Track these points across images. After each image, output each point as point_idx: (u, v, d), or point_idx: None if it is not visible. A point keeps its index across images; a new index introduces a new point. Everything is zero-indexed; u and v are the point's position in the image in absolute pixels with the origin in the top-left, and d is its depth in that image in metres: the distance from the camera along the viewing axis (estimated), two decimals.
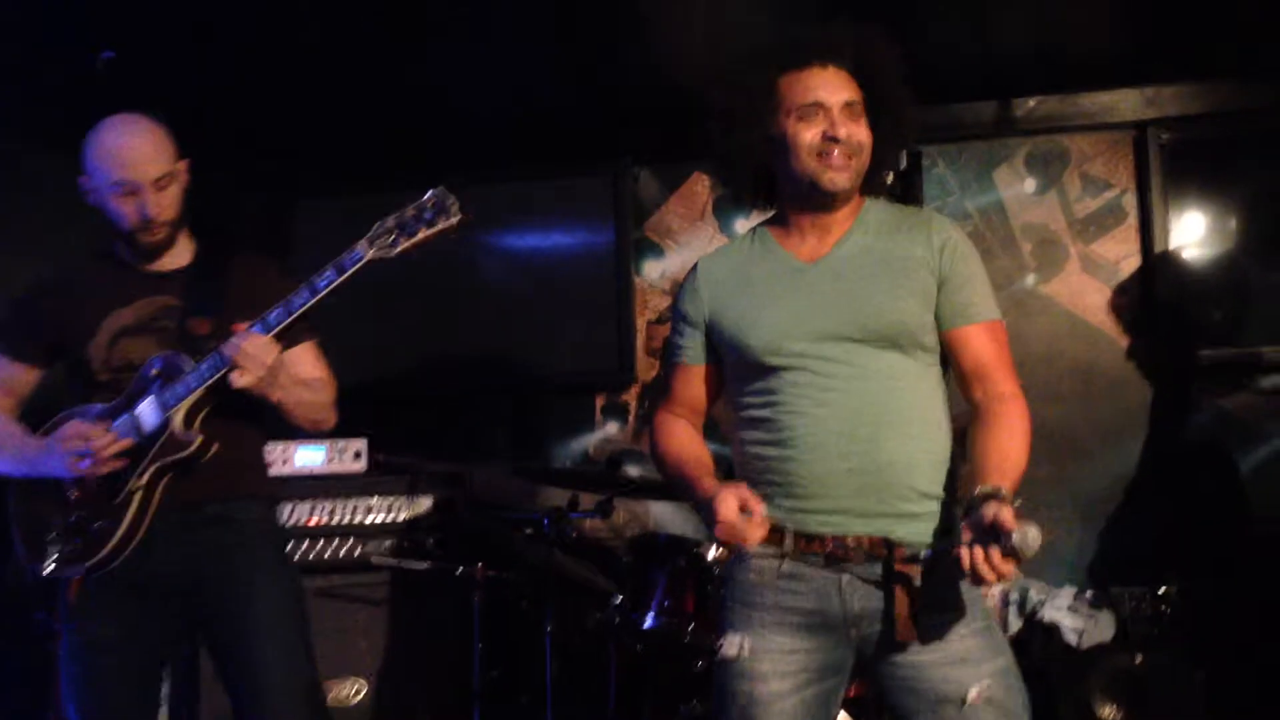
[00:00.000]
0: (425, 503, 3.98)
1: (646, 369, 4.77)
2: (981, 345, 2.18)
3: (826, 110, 2.17)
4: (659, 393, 2.46)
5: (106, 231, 2.70)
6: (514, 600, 3.90)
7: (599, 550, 4.25)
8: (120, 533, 2.53)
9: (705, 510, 2.12)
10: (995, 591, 3.76)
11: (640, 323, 4.79)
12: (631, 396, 4.77)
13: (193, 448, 2.55)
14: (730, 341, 2.25)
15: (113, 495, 2.55)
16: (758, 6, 3.67)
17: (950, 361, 2.23)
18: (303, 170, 4.88)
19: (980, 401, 2.16)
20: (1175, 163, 4.37)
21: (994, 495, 1.93)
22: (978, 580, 1.88)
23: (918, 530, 2.12)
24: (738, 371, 2.26)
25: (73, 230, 3.95)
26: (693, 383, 2.36)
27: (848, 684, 2.21)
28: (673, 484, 2.32)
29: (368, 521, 3.92)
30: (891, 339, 2.15)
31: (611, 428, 4.77)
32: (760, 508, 2.04)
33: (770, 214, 2.37)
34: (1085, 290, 4.45)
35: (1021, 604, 3.72)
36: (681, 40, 3.96)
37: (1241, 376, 4.24)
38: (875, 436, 2.11)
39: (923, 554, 2.08)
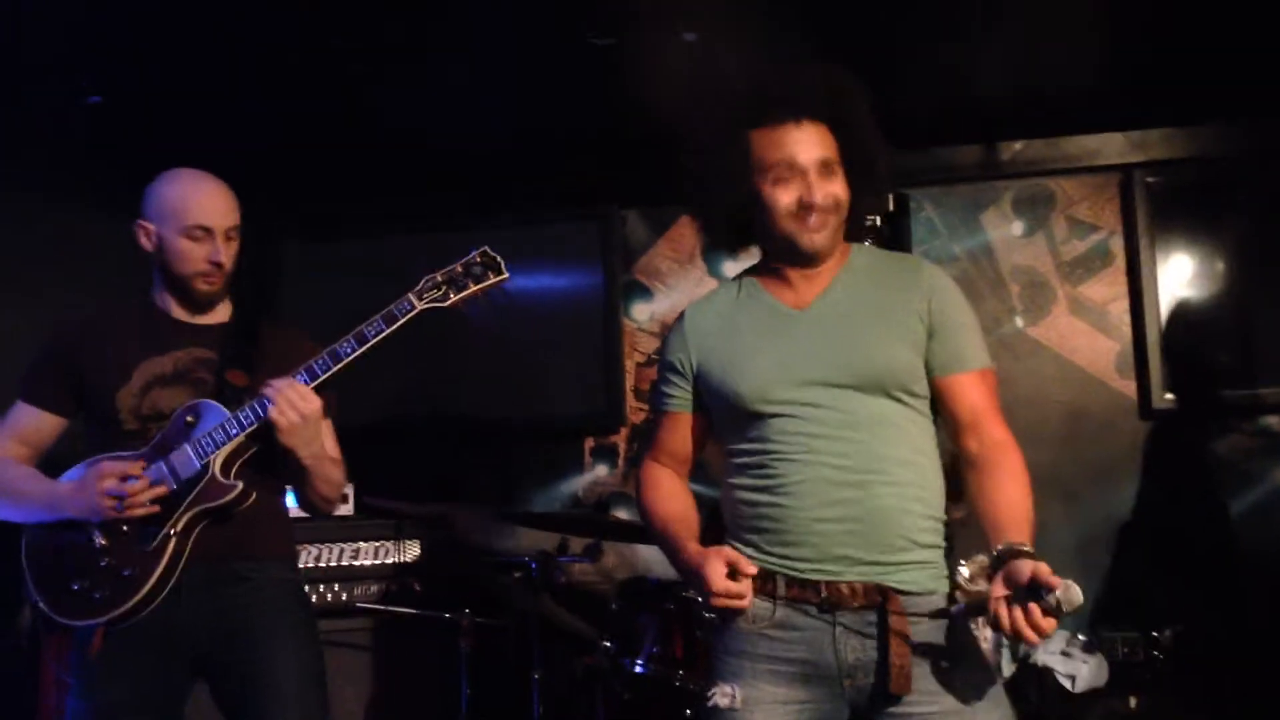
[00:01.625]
0: (412, 547, 3.95)
1: (636, 411, 4.75)
2: (974, 393, 2.16)
3: (802, 172, 2.14)
4: (645, 441, 2.45)
5: (146, 278, 2.70)
6: (502, 646, 3.86)
7: (588, 595, 4.22)
8: (153, 581, 2.46)
9: (692, 577, 2.13)
10: (988, 634, 3.72)
11: (629, 365, 4.79)
12: (620, 439, 4.76)
13: (233, 495, 2.51)
14: (718, 390, 2.23)
15: (145, 542, 2.48)
16: (744, 49, 3.70)
17: (940, 409, 2.20)
18: (290, 216, 4.88)
19: (976, 451, 2.13)
20: (1161, 205, 4.39)
21: (1021, 551, 1.91)
22: (1017, 638, 1.86)
23: (912, 578, 2.09)
24: (726, 419, 2.24)
25: (60, 272, 3.99)
26: (680, 431, 2.34)
27: None
28: (656, 541, 2.31)
29: (354, 565, 3.89)
30: (881, 385, 2.13)
31: (600, 470, 4.75)
32: (750, 569, 2.05)
33: (754, 257, 2.35)
34: (1073, 332, 4.46)
35: (1014, 649, 3.70)
36: (669, 84, 3.98)
37: (1232, 418, 4.24)
38: (865, 484, 2.09)
39: (953, 608, 2.04)
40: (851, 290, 2.22)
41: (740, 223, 2.26)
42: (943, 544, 2.15)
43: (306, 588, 3.69)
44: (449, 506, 4.17)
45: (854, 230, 2.28)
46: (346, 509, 3.99)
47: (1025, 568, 1.86)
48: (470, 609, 3.72)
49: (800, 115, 2.17)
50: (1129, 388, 4.38)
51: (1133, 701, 3.58)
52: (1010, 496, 2.04)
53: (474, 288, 2.58)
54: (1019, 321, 4.49)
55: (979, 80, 4.00)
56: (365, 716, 3.80)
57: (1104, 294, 4.45)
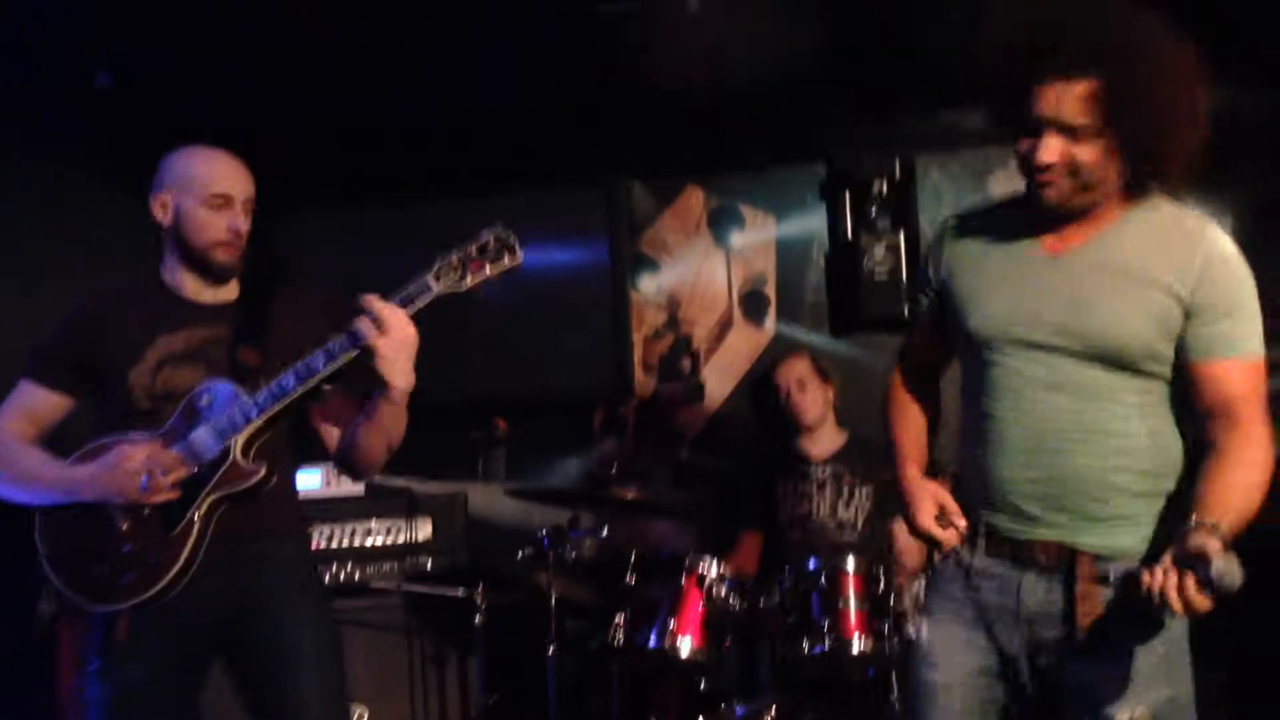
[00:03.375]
0: (424, 525, 3.95)
1: (644, 384, 4.74)
2: (1225, 382, 2.04)
3: (1039, 128, 2.02)
4: (903, 349, 2.51)
5: (155, 258, 2.67)
6: (516, 622, 3.87)
7: (599, 569, 4.21)
8: (178, 566, 2.44)
9: (902, 502, 2.28)
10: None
11: (637, 338, 4.77)
12: (629, 412, 4.74)
13: (257, 479, 2.49)
14: (954, 316, 2.25)
15: (168, 527, 2.46)
16: (751, 22, 3.67)
17: (1189, 394, 2.10)
18: (298, 184, 4.86)
19: (1217, 440, 2.03)
20: None
21: (1204, 525, 1.87)
22: (1162, 608, 1.84)
23: (1103, 541, 2.08)
24: (960, 348, 2.28)
25: (75, 251, 3.98)
26: (925, 342, 2.42)
27: (1012, 689, 2.20)
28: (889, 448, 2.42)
29: (367, 544, 3.89)
30: (1103, 356, 2.07)
31: (609, 444, 4.74)
32: (959, 520, 2.18)
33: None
34: None
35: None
36: (674, 56, 3.95)
37: None
38: (1061, 450, 2.08)
39: (1112, 575, 2.03)
40: (1112, 250, 2.10)
41: None
42: (1156, 508, 2.10)
43: (319, 567, 3.75)
44: (459, 483, 4.16)
45: (1139, 185, 2.09)
46: (358, 488, 3.99)
47: (1196, 539, 1.83)
48: (483, 585, 3.73)
49: (1065, 72, 1.99)
50: None
51: None
52: (1228, 480, 1.96)
53: (489, 271, 2.50)
54: None
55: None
56: (380, 694, 3.81)
57: None
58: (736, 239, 4.74)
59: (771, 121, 4.51)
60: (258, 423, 2.49)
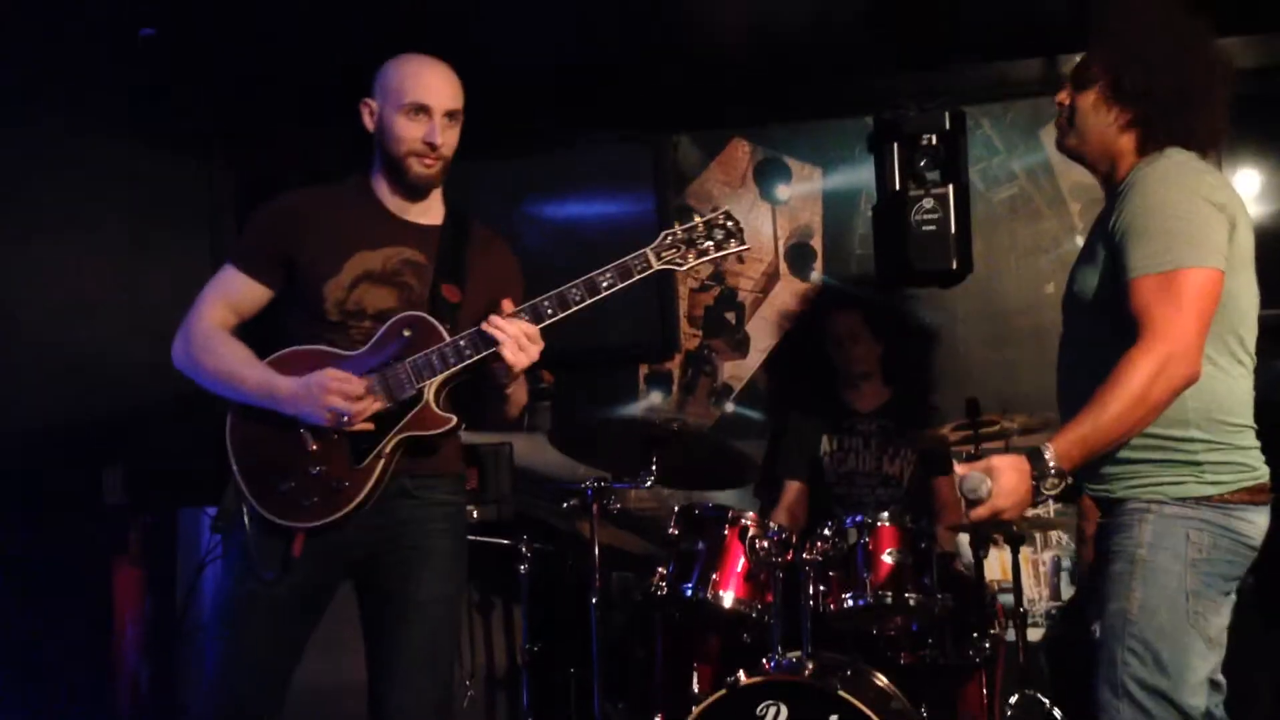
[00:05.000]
0: (470, 474, 3.98)
1: (690, 338, 4.74)
2: (1131, 303, 2.12)
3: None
4: None
5: (366, 166, 2.66)
6: (559, 571, 3.90)
7: (643, 520, 4.24)
8: (362, 496, 2.44)
9: None
10: (1046, 559, 3.77)
11: (683, 291, 4.76)
12: (675, 365, 4.75)
13: (448, 428, 2.48)
14: None
15: (355, 457, 2.45)
16: None
17: None
18: (331, 140, 4.86)
19: None
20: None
21: (1029, 450, 2.08)
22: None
23: (1102, 488, 2.23)
24: None
25: (112, 208, 4.01)
26: None
27: None
28: None
29: None
30: (1077, 308, 2.28)
31: (655, 397, 4.75)
32: None
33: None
34: None
35: (1073, 571, 3.68)
36: (721, 7, 3.91)
37: None
38: (1070, 406, 2.22)
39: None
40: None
41: None
42: (1153, 458, 2.17)
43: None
44: (504, 434, 4.19)
45: (1164, 133, 2.30)
46: None
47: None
48: (527, 535, 3.76)
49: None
50: None
51: None
52: (1092, 400, 2.09)
53: (713, 254, 2.50)
54: (1079, 240, 4.39)
55: None
56: None
57: None
58: (783, 191, 4.71)
59: (819, 73, 4.47)
60: (456, 369, 2.47)
